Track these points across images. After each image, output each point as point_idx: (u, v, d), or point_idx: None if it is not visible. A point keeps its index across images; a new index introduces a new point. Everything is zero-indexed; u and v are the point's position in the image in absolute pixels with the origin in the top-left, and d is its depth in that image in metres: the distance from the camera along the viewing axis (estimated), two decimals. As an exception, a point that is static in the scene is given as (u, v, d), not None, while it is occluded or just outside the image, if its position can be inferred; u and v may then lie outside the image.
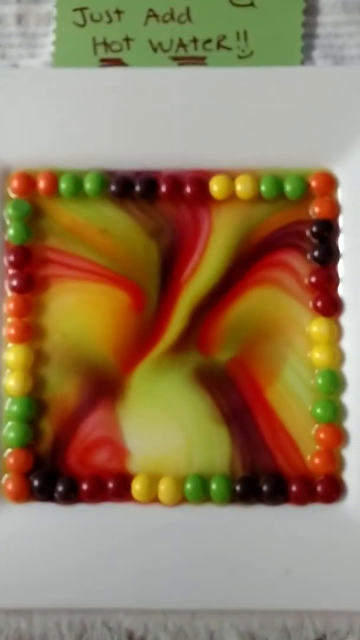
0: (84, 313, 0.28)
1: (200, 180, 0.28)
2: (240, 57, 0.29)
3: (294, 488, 0.27)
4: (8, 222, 0.28)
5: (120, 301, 0.28)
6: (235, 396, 0.28)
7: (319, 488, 0.27)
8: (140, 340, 0.28)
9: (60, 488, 0.27)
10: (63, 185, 0.28)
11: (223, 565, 0.26)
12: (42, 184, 0.28)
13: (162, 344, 0.28)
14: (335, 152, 0.28)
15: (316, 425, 0.28)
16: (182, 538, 0.27)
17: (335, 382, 0.27)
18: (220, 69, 0.28)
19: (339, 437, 0.27)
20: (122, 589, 0.26)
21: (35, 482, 0.27)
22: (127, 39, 0.29)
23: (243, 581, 0.26)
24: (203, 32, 0.29)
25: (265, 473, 0.27)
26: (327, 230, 0.28)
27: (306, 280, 0.28)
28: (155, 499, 0.27)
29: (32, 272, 0.28)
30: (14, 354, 0.28)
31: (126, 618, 0.27)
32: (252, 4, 0.29)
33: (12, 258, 0.28)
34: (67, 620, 0.27)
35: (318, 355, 0.28)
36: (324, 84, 0.27)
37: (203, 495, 0.27)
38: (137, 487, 0.27)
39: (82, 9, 0.29)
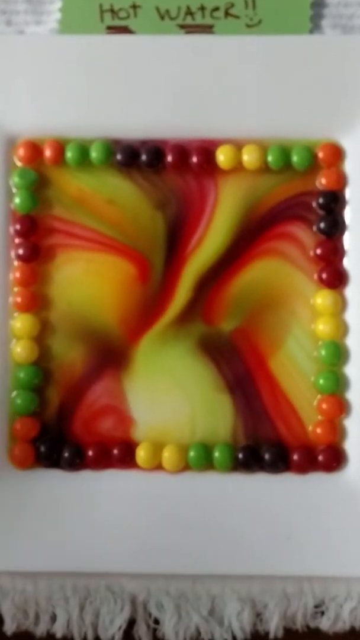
0: (89, 283, 0.28)
1: (207, 149, 0.28)
2: (248, 26, 0.29)
3: (295, 457, 0.27)
4: (14, 190, 0.28)
5: (126, 272, 0.28)
6: (239, 366, 0.28)
7: (320, 457, 0.27)
8: (145, 310, 0.28)
9: (66, 454, 0.27)
10: (69, 154, 0.28)
11: (225, 531, 0.27)
12: (48, 153, 0.28)
13: (168, 314, 0.28)
14: (343, 123, 0.28)
15: (318, 396, 0.28)
16: (185, 504, 0.27)
17: (339, 353, 0.28)
18: (228, 37, 0.28)
19: (341, 407, 0.28)
20: (126, 553, 0.27)
21: (42, 449, 0.28)
22: (134, 6, 0.29)
23: (244, 547, 0.27)
24: (211, 0, 0.29)
25: (267, 442, 0.28)
26: (334, 201, 0.28)
27: (311, 252, 0.28)
28: (159, 466, 0.28)
29: (38, 241, 0.28)
30: (20, 323, 0.28)
31: (129, 582, 0.28)
32: (261, -28, 0.29)
33: (18, 227, 0.28)
34: (72, 584, 0.28)
35: (322, 327, 0.28)
36: (333, 53, 0.27)
37: (206, 462, 0.27)
38: (141, 454, 0.27)
39: (88, -25, 0.29)
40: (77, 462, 0.27)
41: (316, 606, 0.28)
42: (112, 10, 0.29)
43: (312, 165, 0.28)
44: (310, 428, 0.28)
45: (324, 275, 0.28)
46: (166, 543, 0.27)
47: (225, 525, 0.27)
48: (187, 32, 0.29)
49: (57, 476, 0.28)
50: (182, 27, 0.29)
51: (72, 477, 0.28)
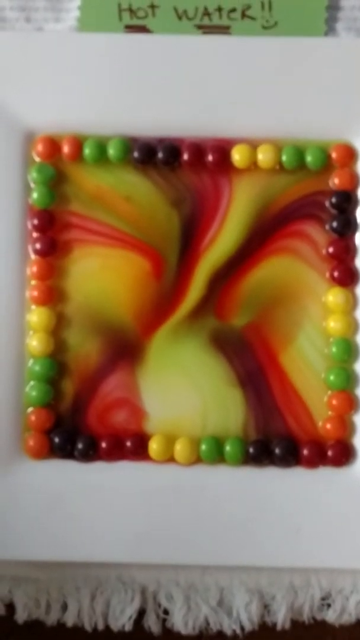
0: (105, 278, 0.29)
1: (222, 148, 0.29)
2: (264, 27, 0.30)
3: (305, 451, 0.28)
4: (32, 185, 0.29)
5: (141, 267, 0.29)
6: (251, 361, 0.29)
7: (329, 452, 0.28)
8: (159, 305, 0.29)
9: (80, 446, 0.28)
10: (87, 151, 0.29)
11: (234, 523, 0.28)
12: (66, 149, 0.29)
13: (181, 309, 0.29)
14: (356, 125, 0.29)
15: (329, 392, 0.28)
16: (196, 497, 0.28)
17: (349, 350, 0.28)
18: (244, 38, 0.29)
19: (351, 403, 0.28)
20: (137, 544, 0.27)
21: (56, 440, 0.28)
22: (152, 6, 0.30)
23: (253, 539, 0.27)
24: (228, 1, 0.30)
25: (277, 436, 0.28)
26: (346, 201, 0.29)
27: (324, 251, 0.29)
28: (171, 459, 0.28)
29: (55, 236, 0.29)
30: (36, 316, 0.28)
31: (139, 573, 0.28)
32: (277, -26, 0.30)
33: (35, 221, 0.29)
34: (83, 574, 0.28)
35: (333, 324, 0.28)
36: (347, 56, 0.28)
37: (217, 456, 0.28)
38: (154, 446, 0.28)
39: (107, -25, 0.30)
40: (90, 453, 0.28)
41: (323, 598, 0.28)
42: (130, 10, 0.30)
43: (326, 165, 0.29)
44: (320, 423, 0.28)
45: (336, 273, 0.29)
46: (176, 534, 0.27)
47: (235, 517, 0.28)
48: (205, 33, 0.30)
49: (71, 467, 0.28)
50: (199, 27, 0.30)
51: (86, 468, 0.28)
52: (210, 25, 0.30)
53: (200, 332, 0.29)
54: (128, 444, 0.28)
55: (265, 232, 0.29)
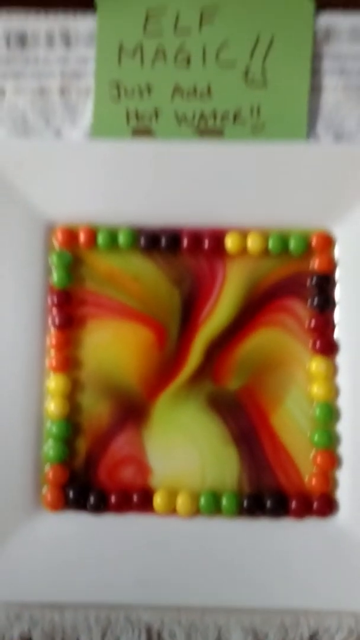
0: (115, 347, 0.32)
1: (217, 236, 0.32)
2: (253, 130, 0.34)
3: (293, 504, 0.31)
4: (53, 268, 0.32)
5: (147, 338, 0.32)
6: (244, 421, 0.32)
7: (315, 504, 0.31)
8: (163, 371, 0.32)
9: (91, 500, 0.31)
10: (100, 239, 0.32)
11: (231, 569, 0.30)
12: (82, 238, 0.32)
13: (182, 375, 0.32)
14: (333, 216, 0.32)
15: (314, 450, 0.31)
16: (196, 545, 0.30)
17: (331, 413, 0.31)
18: (236, 144, 0.32)
19: (334, 461, 0.31)
20: (143, 588, 0.30)
21: (71, 494, 0.31)
22: (156, 111, 0.34)
23: (248, 583, 0.30)
24: (222, 107, 0.34)
25: (269, 490, 0.31)
26: (325, 282, 0.32)
27: (307, 324, 0.32)
28: (173, 511, 0.31)
29: (72, 311, 0.32)
30: (54, 382, 0.32)
31: (145, 613, 0.31)
32: (264, 83, 0.34)
33: (55, 299, 0.32)
34: (95, 615, 0.31)
35: (316, 389, 0.32)
36: (325, 158, 0.31)
37: (215, 508, 0.31)
38: (158, 500, 0.31)
39: (117, 84, 0.34)
40: (101, 506, 0.31)
41: (311, 636, 0.31)
42: (137, 114, 0.34)
43: (307, 250, 0.32)
44: (306, 478, 0.31)
45: (318, 344, 0.32)
46: (178, 579, 0.30)
47: (231, 564, 0.30)
48: (201, 134, 0.34)
49: (83, 519, 0.31)
50: (196, 130, 0.34)
51: (97, 520, 0.31)
52: (206, 128, 0.34)
53: (199, 395, 0.32)
54: (135, 498, 0.31)
55: (255, 308, 0.32)
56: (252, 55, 0.33)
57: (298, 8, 0.34)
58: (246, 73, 0.34)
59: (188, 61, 0.34)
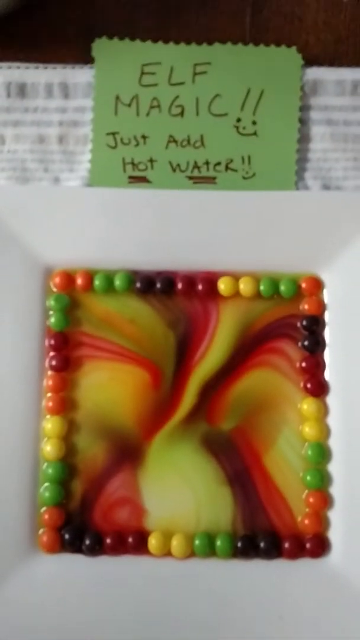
0: (111, 388, 0.33)
1: (210, 280, 0.33)
2: (244, 178, 0.35)
3: (286, 545, 0.31)
4: (50, 312, 0.33)
5: (142, 379, 0.33)
6: (238, 461, 0.32)
7: (307, 545, 0.31)
8: (158, 412, 0.33)
9: (87, 542, 0.31)
10: (97, 282, 0.33)
11: (225, 610, 0.30)
12: (79, 281, 0.33)
13: (176, 416, 0.33)
14: (322, 260, 0.33)
15: (306, 491, 0.32)
16: (190, 587, 0.31)
17: (323, 453, 0.32)
18: (228, 192, 0.33)
19: (326, 501, 0.32)
20: (139, 628, 0.30)
21: (66, 536, 0.31)
22: (151, 160, 0.35)
23: (242, 624, 0.30)
24: (214, 156, 0.35)
25: (262, 531, 0.32)
26: (315, 324, 0.33)
27: (297, 365, 0.33)
28: (168, 553, 0.31)
29: (68, 353, 0.33)
30: (50, 424, 0.32)
31: (141, 656, 0.31)
32: (255, 134, 0.35)
33: (52, 342, 0.33)
34: (90, 656, 0.31)
35: (308, 430, 0.32)
36: (312, 206, 0.33)
37: (209, 550, 0.31)
38: (153, 542, 0.31)
39: (114, 134, 0.35)
40: (97, 548, 0.31)
41: None
42: (133, 163, 0.35)
43: (297, 294, 0.33)
44: (299, 519, 0.32)
45: (309, 385, 0.33)
46: (173, 619, 0.30)
47: (225, 604, 0.30)
48: (195, 182, 0.35)
49: (79, 561, 0.31)
50: (190, 178, 0.35)
51: (93, 562, 0.31)
52: (199, 176, 0.35)
53: (193, 436, 0.32)
54: (130, 540, 0.31)
55: (248, 349, 0.33)
56: (242, 107, 0.35)
57: (286, 63, 0.35)
58: (237, 124, 0.35)
59: (182, 112, 0.35)
